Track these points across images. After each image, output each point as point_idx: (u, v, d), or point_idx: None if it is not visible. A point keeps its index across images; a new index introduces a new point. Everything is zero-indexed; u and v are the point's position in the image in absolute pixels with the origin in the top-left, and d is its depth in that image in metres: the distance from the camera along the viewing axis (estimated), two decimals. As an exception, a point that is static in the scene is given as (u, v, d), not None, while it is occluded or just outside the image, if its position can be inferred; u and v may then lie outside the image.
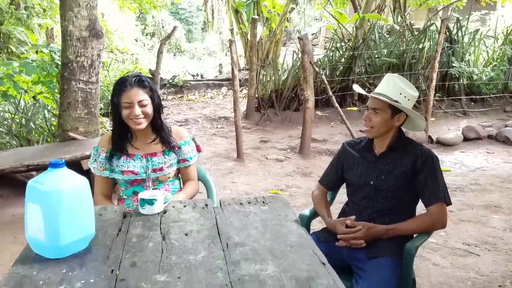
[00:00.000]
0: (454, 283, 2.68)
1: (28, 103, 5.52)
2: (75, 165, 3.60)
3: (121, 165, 2.06)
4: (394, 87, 1.96)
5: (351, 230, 1.91)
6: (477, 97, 7.61)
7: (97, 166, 2.09)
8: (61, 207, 1.35)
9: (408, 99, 1.96)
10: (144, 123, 2.01)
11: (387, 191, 1.97)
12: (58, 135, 4.37)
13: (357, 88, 2.27)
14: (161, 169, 2.09)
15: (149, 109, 2.00)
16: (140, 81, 1.98)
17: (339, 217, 2.14)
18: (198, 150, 2.24)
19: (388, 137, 2.01)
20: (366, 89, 7.17)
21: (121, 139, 2.07)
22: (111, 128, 2.11)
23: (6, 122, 5.15)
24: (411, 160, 1.95)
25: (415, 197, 2.00)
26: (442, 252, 3.07)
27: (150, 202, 1.69)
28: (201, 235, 1.53)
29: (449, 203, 1.95)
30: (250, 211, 1.74)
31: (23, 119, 5.11)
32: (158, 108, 2.06)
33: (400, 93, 1.95)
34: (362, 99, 7.35)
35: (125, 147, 2.08)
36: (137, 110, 1.96)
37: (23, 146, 4.70)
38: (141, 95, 1.97)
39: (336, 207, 2.33)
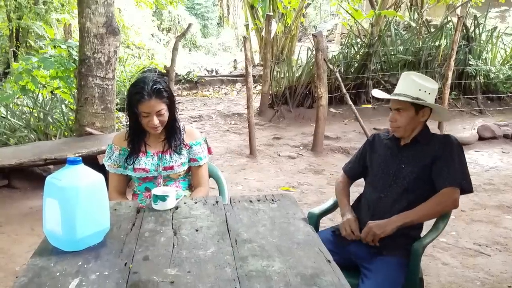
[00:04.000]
0: (463, 283, 2.69)
1: (46, 98, 5.64)
2: (92, 159, 3.68)
3: (134, 163, 2.11)
4: (412, 85, 1.98)
5: (362, 235, 1.93)
6: (494, 95, 7.51)
7: (111, 164, 2.14)
8: (78, 202, 1.41)
9: (429, 93, 1.97)
10: (160, 129, 2.07)
11: (404, 178, 1.97)
12: (75, 130, 4.46)
13: (376, 93, 2.24)
14: (171, 168, 2.13)
15: (166, 116, 2.05)
16: (158, 91, 1.98)
17: (352, 205, 2.16)
18: (209, 152, 2.27)
19: (415, 133, 2.02)
20: (381, 86, 7.14)
21: (138, 140, 2.11)
22: (127, 125, 2.15)
23: (24, 116, 5.27)
24: (433, 150, 1.95)
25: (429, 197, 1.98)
26: (453, 251, 3.07)
27: (163, 198, 1.75)
28: (211, 231, 1.58)
29: (466, 189, 1.91)
30: (259, 209, 1.78)
31: (41, 113, 5.22)
32: (173, 113, 2.09)
33: (420, 89, 1.96)
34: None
35: (140, 148, 2.12)
36: (155, 120, 2.00)
37: (41, 140, 4.81)
38: (159, 105, 1.99)
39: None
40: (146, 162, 2.11)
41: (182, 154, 2.15)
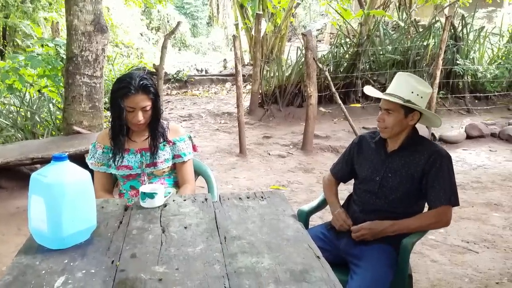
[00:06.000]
0: (451, 279, 2.71)
1: (33, 97, 5.58)
2: (79, 158, 3.64)
3: (117, 160, 2.08)
4: (405, 86, 1.93)
5: (353, 229, 1.95)
6: (481, 95, 7.59)
7: (94, 162, 2.11)
8: (64, 199, 1.38)
9: (421, 97, 1.93)
10: (143, 126, 2.05)
11: (391, 189, 1.97)
12: (63, 129, 4.42)
13: (368, 90, 2.19)
14: (155, 164, 2.10)
15: (149, 114, 2.03)
16: (145, 87, 1.97)
17: (343, 205, 2.17)
18: (194, 149, 2.25)
19: (402, 136, 1.99)
20: (370, 85, 7.18)
21: (121, 137, 2.07)
22: (110, 124, 2.10)
23: (11, 115, 5.20)
24: (420, 163, 1.92)
25: (418, 206, 1.99)
26: (441, 249, 3.09)
27: (151, 195, 1.73)
28: (200, 229, 1.57)
29: (455, 204, 1.93)
30: (248, 206, 1.77)
31: (28, 112, 5.16)
32: (157, 112, 2.06)
33: (412, 92, 1.91)
34: (366, 95, 7.34)
35: (123, 145, 2.08)
36: (140, 116, 1.98)
37: (28, 139, 4.75)
38: (145, 101, 1.97)
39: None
40: (129, 159, 2.09)
41: (164, 151, 2.13)
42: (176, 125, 2.24)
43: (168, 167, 2.16)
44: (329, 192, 2.21)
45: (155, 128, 2.09)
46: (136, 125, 2.02)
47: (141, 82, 1.96)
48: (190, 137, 2.24)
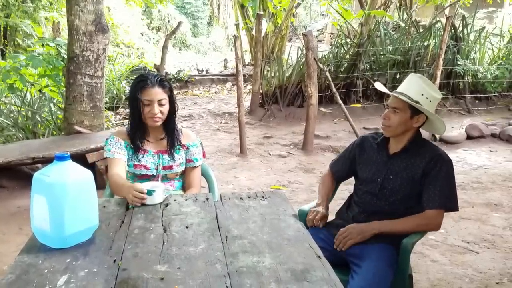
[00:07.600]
0: (452, 279, 2.71)
1: (34, 96, 5.58)
2: (80, 158, 3.65)
3: (134, 159, 2.12)
4: (416, 87, 1.92)
5: (339, 233, 1.94)
6: (482, 95, 7.59)
7: (116, 150, 2.08)
8: (66, 198, 1.39)
9: (430, 101, 1.92)
10: (160, 122, 2.09)
11: (392, 191, 1.97)
12: (64, 129, 4.43)
13: (379, 86, 2.19)
14: (170, 167, 2.16)
15: (166, 108, 2.09)
16: (161, 81, 2.07)
17: (344, 205, 2.17)
18: (203, 156, 2.30)
19: (405, 138, 1.98)
20: (371, 86, 7.19)
21: (139, 135, 2.12)
22: (128, 123, 2.17)
23: (12, 115, 5.21)
24: (421, 165, 1.92)
25: (418, 208, 1.97)
26: (441, 249, 3.09)
27: (149, 192, 1.74)
28: (201, 228, 1.57)
29: (451, 209, 1.92)
30: (249, 206, 1.78)
31: (29, 112, 5.16)
32: (173, 108, 2.13)
33: (422, 94, 1.91)
34: (366, 96, 7.35)
35: (142, 143, 2.13)
36: (156, 109, 2.04)
37: (29, 139, 4.76)
38: (161, 94, 2.05)
39: (337, 203, 2.35)
40: (147, 160, 2.13)
41: (180, 154, 2.18)
42: (189, 131, 2.31)
43: (182, 170, 2.21)
44: (321, 188, 2.21)
45: (171, 126, 2.15)
46: (152, 119, 2.06)
47: (157, 77, 2.09)
48: (201, 143, 2.31)
